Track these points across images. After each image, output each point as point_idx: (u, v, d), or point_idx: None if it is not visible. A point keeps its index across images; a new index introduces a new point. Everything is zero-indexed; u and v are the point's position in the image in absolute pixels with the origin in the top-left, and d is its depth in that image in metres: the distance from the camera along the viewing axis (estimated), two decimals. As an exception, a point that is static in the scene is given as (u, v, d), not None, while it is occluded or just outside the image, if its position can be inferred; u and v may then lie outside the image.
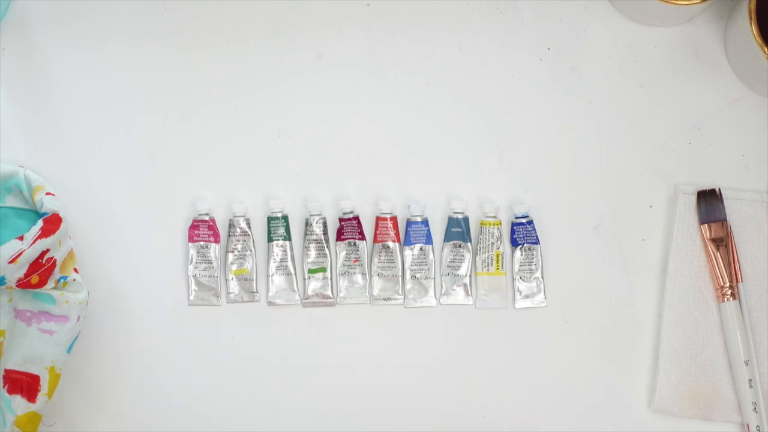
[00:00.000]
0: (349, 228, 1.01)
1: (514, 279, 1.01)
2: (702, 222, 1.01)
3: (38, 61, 1.02)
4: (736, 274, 1.00)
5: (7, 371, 0.93)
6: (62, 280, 0.95)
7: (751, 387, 0.98)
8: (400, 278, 1.01)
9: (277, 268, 1.00)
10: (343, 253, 1.01)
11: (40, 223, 0.93)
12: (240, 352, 1.00)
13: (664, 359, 0.99)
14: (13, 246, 0.92)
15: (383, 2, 1.03)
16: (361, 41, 1.03)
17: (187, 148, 1.01)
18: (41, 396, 0.93)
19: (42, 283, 0.93)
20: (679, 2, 0.98)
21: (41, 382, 0.93)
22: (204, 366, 0.99)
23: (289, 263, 1.00)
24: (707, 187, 1.02)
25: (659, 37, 1.04)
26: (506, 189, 1.02)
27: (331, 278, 1.01)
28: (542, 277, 1.01)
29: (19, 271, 0.92)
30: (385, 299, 1.01)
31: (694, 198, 1.01)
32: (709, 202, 1.01)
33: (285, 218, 1.01)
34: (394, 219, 1.01)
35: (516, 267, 1.01)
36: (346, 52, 1.03)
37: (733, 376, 0.99)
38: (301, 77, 1.02)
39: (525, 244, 1.01)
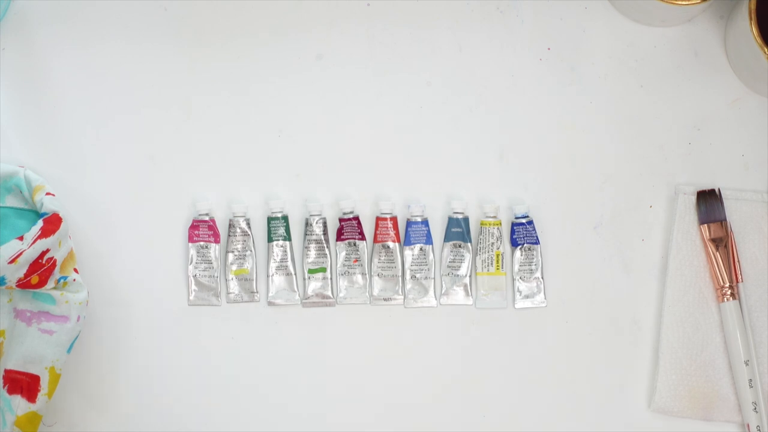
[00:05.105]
0: (349, 228, 1.01)
1: (514, 279, 1.01)
2: (702, 222, 1.01)
3: (38, 61, 1.02)
4: (736, 274, 1.00)
5: (7, 371, 0.93)
6: (62, 280, 0.94)
7: (751, 387, 0.98)
8: (400, 278, 1.01)
9: (277, 268, 1.00)
10: (343, 253, 1.01)
11: (40, 223, 0.93)
12: (240, 352, 1.00)
13: (664, 359, 0.99)
14: (13, 246, 0.92)
15: (383, 2, 1.03)
16: (361, 41, 1.03)
17: (187, 148, 1.01)
18: (41, 396, 0.93)
19: (42, 283, 0.93)
20: (679, 2, 0.98)
21: (41, 382, 0.93)
22: (204, 366, 0.99)
23: (289, 263, 1.00)
24: (707, 187, 1.02)
25: (659, 37, 1.04)
26: (506, 189, 1.02)
27: (331, 278, 1.01)
28: (542, 277, 1.01)
29: (19, 271, 0.91)
30: (385, 299, 1.01)
31: (694, 198, 1.01)
32: (709, 202, 1.01)
33: (285, 218, 1.01)
34: (394, 219, 1.01)
35: (516, 267, 1.01)
36: (346, 51, 1.03)
37: (733, 376, 0.99)
38: (301, 77, 1.02)
39: (525, 244, 1.01)
